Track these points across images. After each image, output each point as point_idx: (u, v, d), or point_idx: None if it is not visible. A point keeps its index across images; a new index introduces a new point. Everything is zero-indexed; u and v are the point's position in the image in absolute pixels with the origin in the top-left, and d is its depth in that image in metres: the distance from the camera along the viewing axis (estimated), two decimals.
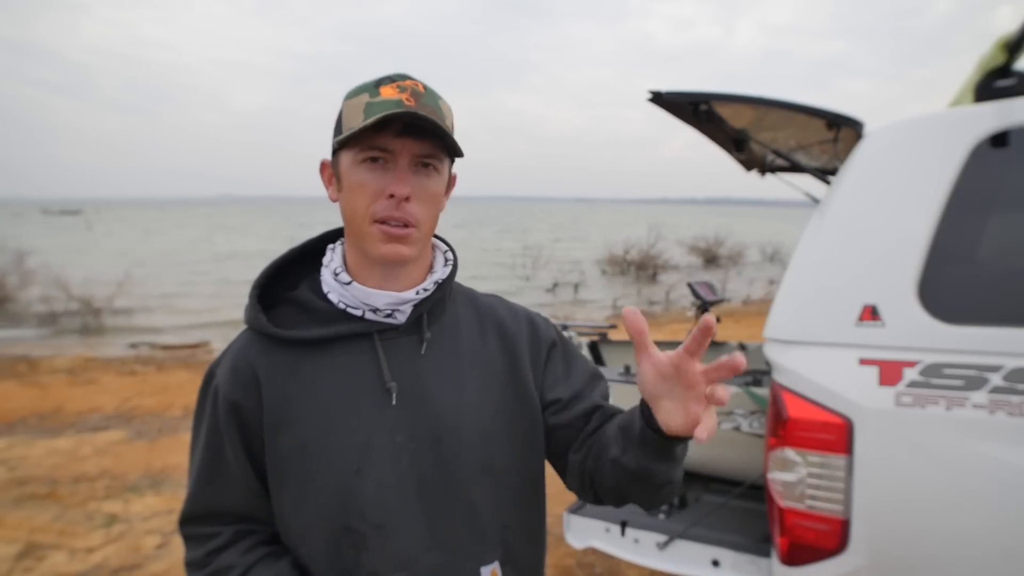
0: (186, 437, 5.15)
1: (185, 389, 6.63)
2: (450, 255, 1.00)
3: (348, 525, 0.86)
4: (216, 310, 12.95)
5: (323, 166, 0.94)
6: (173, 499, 3.98)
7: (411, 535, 0.87)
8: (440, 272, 0.96)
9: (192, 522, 0.94)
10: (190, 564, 0.93)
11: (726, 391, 0.74)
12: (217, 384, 0.91)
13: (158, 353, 8.85)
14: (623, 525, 2.31)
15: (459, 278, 1.02)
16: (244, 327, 0.95)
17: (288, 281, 0.97)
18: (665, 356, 0.76)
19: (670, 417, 0.78)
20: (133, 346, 9.49)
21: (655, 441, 0.83)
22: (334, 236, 1.00)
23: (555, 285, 16.26)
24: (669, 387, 0.77)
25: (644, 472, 0.86)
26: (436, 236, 1.01)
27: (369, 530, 0.86)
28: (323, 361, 0.89)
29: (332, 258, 0.94)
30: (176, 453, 4.78)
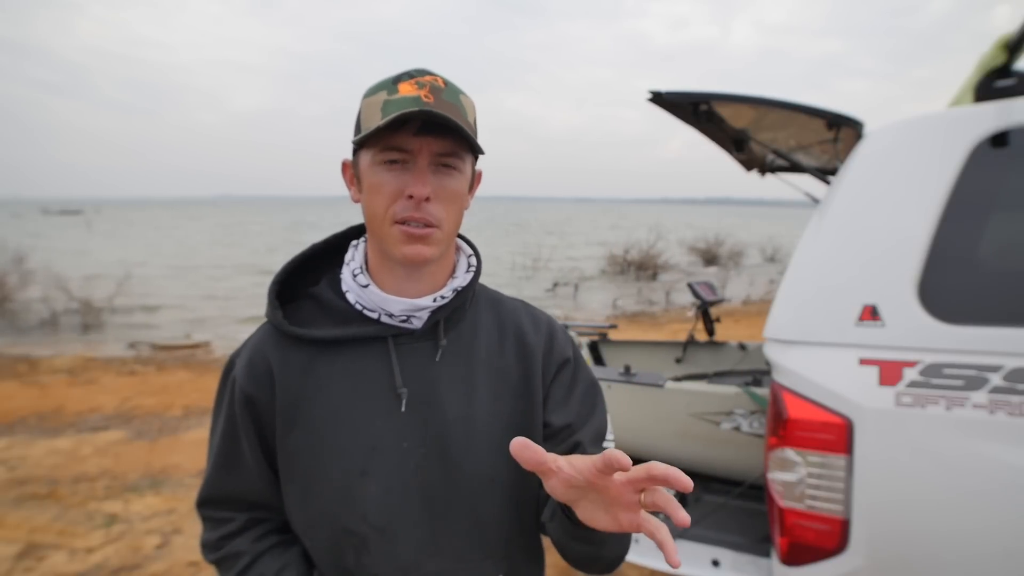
0: (186, 437, 5.16)
1: (185, 389, 6.63)
2: (474, 260, 0.98)
3: (349, 527, 0.87)
4: (216, 310, 12.96)
5: (344, 167, 0.93)
6: (173, 499, 3.98)
7: (413, 541, 0.87)
8: (461, 278, 0.94)
9: (208, 505, 0.97)
10: (205, 545, 0.96)
11: (668, 501, 0.60)
12: (235, 375, 0.92)
13: (158, 353, 8.84)
14: None
15: None
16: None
17: (311, 276, 0.97)
18: (571, 470, 0.63)
19: (592, 518, 0.67)
20: (133, 346, 9.49)
21: (569, 524, 0.77)
22: (358, 232, 0.99)
23: (555, 285, 16.25)
24: (581, 493, 0.66)
25: (564, 548, 0.85)
26: (463, 238, 1.00)
27: (371, 533, 0.86)
28: (336, 361, 0.89)
29: (353, 256, 0.93)
30: (176, 453, 4.78)
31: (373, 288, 0.89)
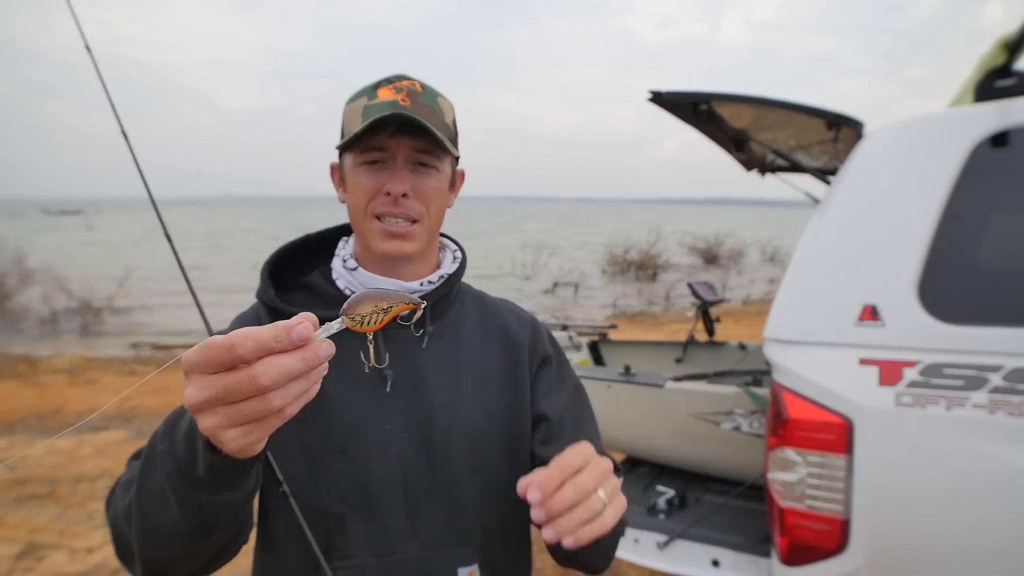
0: None
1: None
2: (459, 254, 1.02)
3: (325, 507, 0.87)
4: (217, 310, 12.94)
5: (332, 170, 0.97)
6: None
7: (390, 525, 0.87)
8: (448, 268, 0.98)
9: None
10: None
11: None
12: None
13: (158, 353, 8.85)
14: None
15: (464, 278, 1.03)
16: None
17: (304, 268, 1.00)
18: None
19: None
20: (133, 346, 9.49)
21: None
22: (350, 228, 1.02)
23: (555, 285, 16.25)
24: None
25: (551, 550, 0.86)
26: (447, 236, 1.03)
27: (348, 513, 0.86)
28: None
29: (345, 247, 0.98)
30: None
31: (361, 270, 0.92)
